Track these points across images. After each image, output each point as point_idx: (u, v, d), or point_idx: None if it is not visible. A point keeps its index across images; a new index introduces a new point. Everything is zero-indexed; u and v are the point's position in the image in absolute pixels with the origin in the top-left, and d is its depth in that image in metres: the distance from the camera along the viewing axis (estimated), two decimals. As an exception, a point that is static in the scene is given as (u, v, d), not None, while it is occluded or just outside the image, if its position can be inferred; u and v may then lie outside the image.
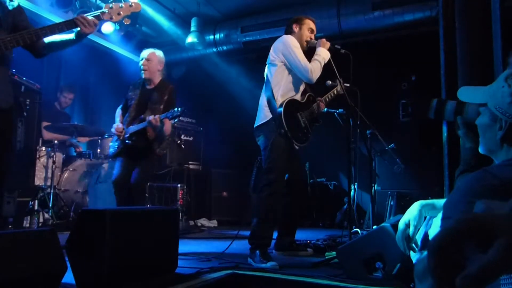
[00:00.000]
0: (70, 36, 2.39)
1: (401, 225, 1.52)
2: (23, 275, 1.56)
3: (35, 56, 2.42)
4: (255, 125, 3.24)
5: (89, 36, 6.91)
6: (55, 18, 5.86)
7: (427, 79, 5.40)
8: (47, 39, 2.36)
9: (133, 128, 3.58)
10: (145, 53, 3.75)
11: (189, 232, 5.12)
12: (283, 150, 3.06)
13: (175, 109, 3.37)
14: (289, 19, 3.41)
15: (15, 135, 2.30)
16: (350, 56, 3.24)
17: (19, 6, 2.39)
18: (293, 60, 3.10)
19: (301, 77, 3.14)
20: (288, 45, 3.13)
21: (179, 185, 5.64)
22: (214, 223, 6.16)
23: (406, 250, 1.45)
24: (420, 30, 5.66)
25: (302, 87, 3.32)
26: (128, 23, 2.20)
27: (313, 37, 3.35)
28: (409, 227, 1.43)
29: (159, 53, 3.80)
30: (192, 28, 6.67)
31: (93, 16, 2.25)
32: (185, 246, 3.69)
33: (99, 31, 6.17)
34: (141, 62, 3.71)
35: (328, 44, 3.23)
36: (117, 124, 3.66)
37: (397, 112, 5.64)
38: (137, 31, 6.72)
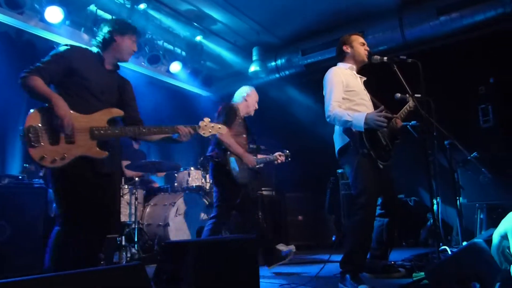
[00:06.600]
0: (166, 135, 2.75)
1: (496, 238, 1.41)
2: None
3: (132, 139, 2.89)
4: (336, 149, 3.19)
5: (160, 77, 7.30)
6: (129, 64, 6.31)
7: (507, 80, 5.03)
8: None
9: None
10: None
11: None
12: (369, 170, 2.94)
13: None
14: (337, 44, 3.37)
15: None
16: (419, 65, 3.10)
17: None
18: (326, 95, 3.10)
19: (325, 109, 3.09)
20: (328, 81, 3.12)
21: (254, 212, 5.67)
22: (291, 248, 6.07)
23: (502, 264, 1.33)
24: (493, 29, 5.32)
25: (368, 104, 3.24)
26: (212, 139, 2.72)
27: (367, 48, 3.30)
28: (505, 239, 1.32)
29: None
30: (254, 57, 6.85)
31: (190, 127, 2.69)
32: (265, 273, 3.67)
33: (168, 71, 6.56)
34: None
35: (376, 122, 2.85)
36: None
37: (477, 118, 5.26)
38: (202, 67, 7.04)
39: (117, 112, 2.53)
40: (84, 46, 2.66)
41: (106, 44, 2.60)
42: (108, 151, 2.46)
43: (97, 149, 2.39)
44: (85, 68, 2.48)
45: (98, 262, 2.54)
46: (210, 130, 2.72)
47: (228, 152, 3.82)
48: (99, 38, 2.62)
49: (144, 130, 2.59)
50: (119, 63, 2.71)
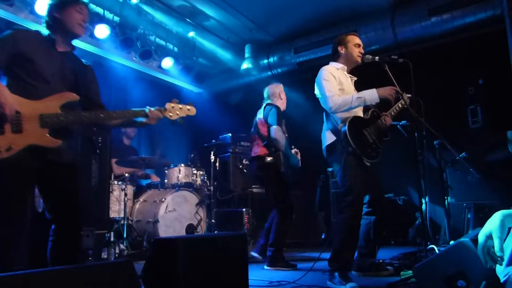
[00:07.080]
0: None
1: (481, 237, 1.42)
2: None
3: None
4: (324, 147, 3.22)
5: (151, 73, 7.20)
6: (120, 59, 6.27)
7: (496, 81, 5.08)
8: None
9: None
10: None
11: (257, 256, 5.10)
12: (356, 168, 2.97)
13: None
14: (333, 43, 3.38)
15: (89, 176, 2.52)
16: (410, 64, 3.12)
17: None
18: (320, 91, 3.13)
19: (323, 105, 3.13)
20: (322, 79, 3.13)
21: (244, 209, 5.68)
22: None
23: (487, 263, 1.35)
24: (484, 31, 5.37)
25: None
26: (181, 123, 2.55)
27: (362, 50, 3.31)
28: (490, 239, 1.33)
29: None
30: (246, 55, 6.84)
31: (157, 109, 2.50)
32: (254, 270, 3.68)
33: (160, 67, 6.52)
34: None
35: (387, 92, 3.08)
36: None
37: (466, 119, 5.32)
38: (194, 63, 7.01)
39: (71, 96, 2.32)
40: (34, 29, 2.51)
41: (50, 26, 2.45)
42: (64, 139, 2.28)
43: (49, 137, 2.20)
44: (33, 51, 2.31)
45: (82, 258, 2.42)
46: (177, 113, 2.54)
47: (279, 153, 3.81)
48: (43, 22, 2.48)
49: (102, 116, 2.39)
50: (73, 43, 2.52)
